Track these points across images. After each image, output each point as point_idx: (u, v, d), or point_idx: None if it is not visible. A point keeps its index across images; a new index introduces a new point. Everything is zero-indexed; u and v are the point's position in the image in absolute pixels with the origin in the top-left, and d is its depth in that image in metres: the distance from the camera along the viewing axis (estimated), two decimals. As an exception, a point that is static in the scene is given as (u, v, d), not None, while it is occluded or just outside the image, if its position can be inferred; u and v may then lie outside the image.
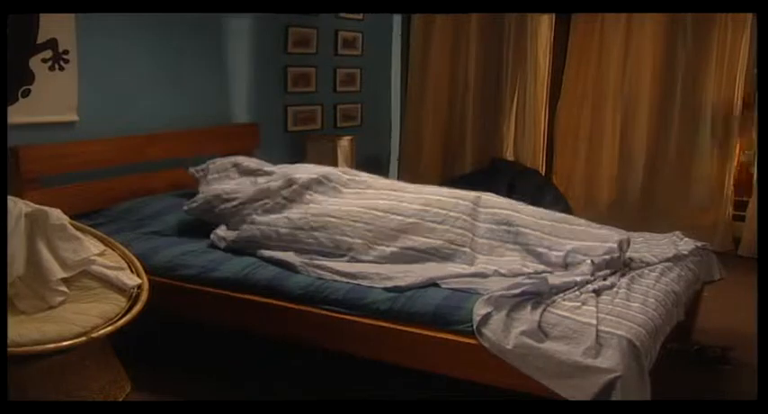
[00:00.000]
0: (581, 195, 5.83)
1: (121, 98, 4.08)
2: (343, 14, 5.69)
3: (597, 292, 2.68)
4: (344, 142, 5.34)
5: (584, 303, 2.57)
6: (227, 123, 4.86)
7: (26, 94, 3.52)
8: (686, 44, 5.33)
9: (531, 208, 3.37)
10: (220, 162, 3.93)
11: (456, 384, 2.72)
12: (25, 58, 3.50)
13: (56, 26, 3.59)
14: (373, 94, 6.25)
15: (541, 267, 3.02)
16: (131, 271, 3.00)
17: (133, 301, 2.85)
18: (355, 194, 3.55)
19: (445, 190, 3.54)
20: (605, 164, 5.77)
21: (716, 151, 5.43)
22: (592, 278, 2.81)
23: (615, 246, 2.98)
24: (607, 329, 2.40)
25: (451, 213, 3.28)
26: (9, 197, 2.90)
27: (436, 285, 2.82)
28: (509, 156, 6.09)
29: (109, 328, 2.65)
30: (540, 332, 2.47)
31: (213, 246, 3.39)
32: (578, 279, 2.77)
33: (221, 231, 3.45)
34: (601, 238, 3.10)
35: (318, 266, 3.05)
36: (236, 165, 3.89)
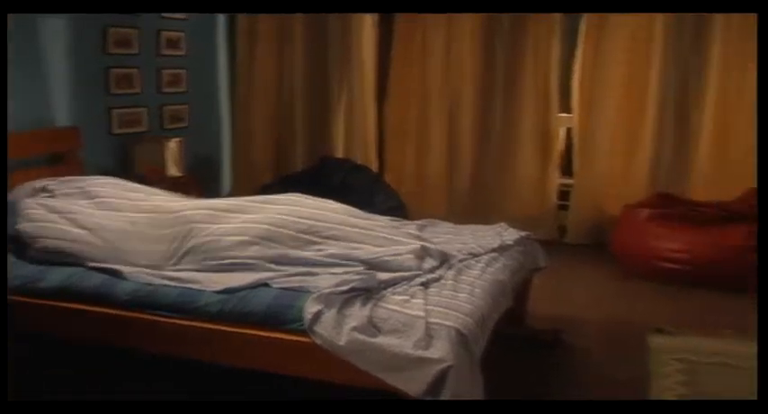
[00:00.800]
0: (413, 191, 5.97)
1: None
2: (165, 14, 5.53)
3: (425, 285, 2.76)
4: (172, 144, 5.22)
5: (412, 297, 2.64)
6: (49, 127, 4.64)
7: None
8: (503, 44, 5.58)
9: (338, 216, 3.33)
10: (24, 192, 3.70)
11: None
12: None
13: None
14: (201, 95, 6.14)
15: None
16: None
17: None
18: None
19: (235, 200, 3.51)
20: (434, 159, 5.95)
21: (537, 145, 5.73)
22: (419, 272, 2.89)
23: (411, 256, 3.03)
24: (436, 321, 2.48)
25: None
26: None
27: (267, 285, 2.81)
28: (340, 154, 6.14)
29: None
30: (372, 327, 2.52)
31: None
32: (406, 273, 2.85)
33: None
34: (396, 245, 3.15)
35: (146, 273, 2.97)
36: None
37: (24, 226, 3.30)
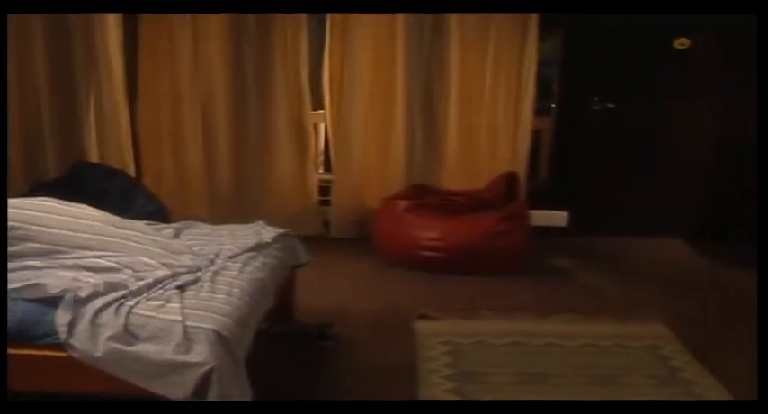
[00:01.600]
0: (174, 193, 5.77)
1: None
2: None
3: (181, 289, 2.68)
4: None
5: (168, 301, 2.55)
6: None
7: None
8: (252, 43, 5.53)
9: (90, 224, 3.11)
10: None
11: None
12: None
13: None
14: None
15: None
16: None
17: None
18: None
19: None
20: (191, 161, 5.79)
21: (294, 142, 5.74)
22: (171, 277, 2.79)
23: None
24: (194, 324, 2.41)
25: None
26: None
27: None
28: (95, 158, 5.76)
29: None
30: (129, 335, 2.40)
31: None
32: (159, 276, 2.74)
33: None
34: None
35: None
36: None
37: None
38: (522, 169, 5.65)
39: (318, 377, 3.35)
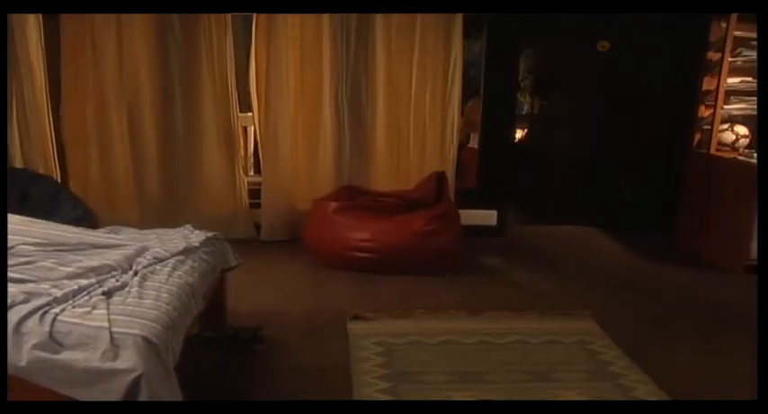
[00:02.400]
0: (101, 197, 5.66)
1: None
2: None
3: (108, 294, 2.62)
4: None
5: (94, 307, 2.49)
6: None
7: None
8: (177, 44, 5.45)
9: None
10: None
11: None
12: None
13: None
14: None
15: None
16: None
17: None
18: None
19: None
20: (119, 164, 5.68)
21: (222, 144, 5.66)
22: (96, 283, 2.73)
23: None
24: (121, 330, 2.36)
25: None
26: None
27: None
28: (19, 164, 5.57)
29: None
30: (54, 343, 2.34)
31: None
32: (84, 283, 2.68)
33: None
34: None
35: None
36: None
37: None
38: (450, 169, 5.70)
39: (251, 380, 3.31)
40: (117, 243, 3.22)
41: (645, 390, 3.24)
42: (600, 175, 6.34)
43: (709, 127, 5.48)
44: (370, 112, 5.61)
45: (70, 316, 2.42)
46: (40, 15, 5.39)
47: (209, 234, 3.56)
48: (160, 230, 3.60)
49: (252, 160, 6.26)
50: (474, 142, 6.48)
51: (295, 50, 5.50)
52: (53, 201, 4.96)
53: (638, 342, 3.78)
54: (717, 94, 5.35)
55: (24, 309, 2.42)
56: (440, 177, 5.42)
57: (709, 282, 4.97)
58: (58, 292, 2.56)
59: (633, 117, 6.16)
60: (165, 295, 2.67)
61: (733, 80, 5.34)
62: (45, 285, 2.66)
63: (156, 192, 5.73)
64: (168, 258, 3.07)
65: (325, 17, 5.40)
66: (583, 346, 3.75)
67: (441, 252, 5.02)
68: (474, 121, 6.33)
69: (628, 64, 6.04)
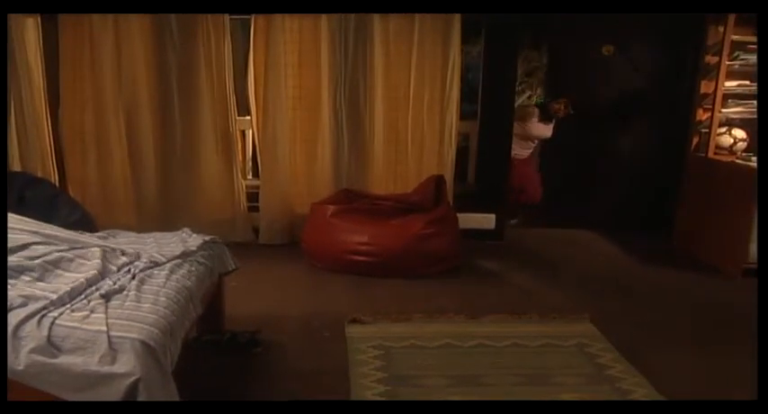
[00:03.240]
0: (99, 200, 5.66)
1: None
2: None
3: (107, 298, 2.62)
4: None
5: (93, 311, 2.49)
6: None
7: None
8: (175, 48, 5.46)
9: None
10: None
11: None
12: None
13: None
14: None
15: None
16: None
17: None
18: None
19: None
20: (117, 168, 5.68)
21: (220, 148, 5.65)
22: (87, 284, 2.73)
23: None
24: (119, 334, 2.36)
25: None
26: None
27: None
28: (17, 167, 5.57)
29: None
30: (52, 347, 2.34)
31: None
32: (76, 284, 2.68)
33: None
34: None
35: None
36: None
37: None
38: (448, 172, 5.70)
39: (249, 384, 3.30)
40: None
41: (643, 393, 3.24)
42: (599, 177, 6.34)
43: (707, 130, 5.49)
44: (369, 115, 5.61)
45: (68, 320, 2.42)
46: (39, 19, 5.40)
47: (207, 238, 3.56)
48: (158, 234, 3.60)
49: (250, 164, 6.25)
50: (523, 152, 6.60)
51: (293, 54, 5.51)
52: (51, 204, 4.94)
53: (636, 345, 3.77)
54: (714, 97, 5.35)
55: (22, 312, 2.41)
56: (438, 181, 5.42)
57: (708, 285, 4.97)
58: (53, 296, 2.56)
59: (632, 120, 6.17)
60: (162, 299, 2.67)
61: (730, 84, 5.35)
62: (42, 285, 2.67)
63: (154, 195, 5.73)
64: (165, 263, 3.07)
65: (324, 21, 5.41)
66: (581, 349, 3.75)
67: (439, 255, 5.02)
68: (535, 136, 6.50)
69: (627, 67, 6.05)
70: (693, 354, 3.75)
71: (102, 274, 2.84)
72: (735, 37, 5.22)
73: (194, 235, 3.57)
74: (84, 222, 4.75)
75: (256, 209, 5.80)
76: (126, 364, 2.28)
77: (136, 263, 3.02)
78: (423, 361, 3.57)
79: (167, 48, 5.44)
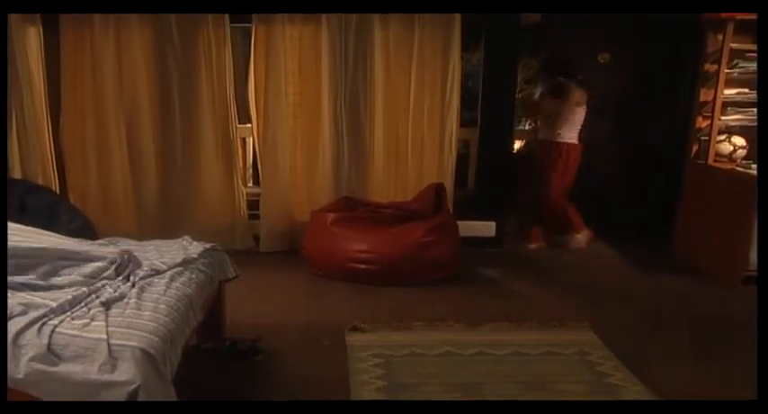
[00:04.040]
0: (100, 208, 5.67)
1: None
2: None
3: (107, 306, 2.62)
4: None
5: (93, 319, 2.49)
6: None
7: None
8: (176, 55, 5.47)
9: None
10: None
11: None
12: None
13: None
14: None
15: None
16: None
17: None
18: None
19: None
20: (118, 175, 5.69)
21: (221, 155, 5.67)
22: (89, 292, 2.73)
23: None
24: (119, 342, 2.37)
25: None
26: None
27: None
28: (17, 174, 5.58)
29: None
30: (52, 355, 2.35)
31: None
32: (78, 292, 2.69)
33: None
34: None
35: None
36: None
37: None
38: (449, 180, 5.71)
39: (249, 392, 3.31)
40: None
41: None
42: (598, 185, 6.33)
43: (706, 138, 5.49)
44: (369, 123, 5.62)
45: (69, 328, 2.43)
46: (41, 27, 5.42)
47: (208, 245, 3.56)
48: (158, 242, 3.60)
49: (250, 171, 6.27)
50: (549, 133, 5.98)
51: (293, 62, 5.52)
52: (51, 212, 4.95)
53: (636, 353, 3.77)
54: (714, 105, 5.36)
55: (22, 321, 2.42)
56: (438, 188, 5.42)
57: (708, 292, 4.97)
58: (53, 304, 2.56)
59: (631, 127, 6.18)
60: (163, 307, 2.67)
61: (730, 91, 5.35)
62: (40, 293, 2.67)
63: (154, 203, 5.74)
64: (166, 270, 3.07)
65: (324, 29, 5.42)
66: (581, 357, 3.74)
67: (439, 263, 5.02)
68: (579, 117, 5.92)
69: (626, 75, 6.06)
70: (693, 361, 3.75)
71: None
72: (734, 45, 5.23)
73: (195, 242, 3.57)
74: (85, 230, 4.75)
75: (257, 216, 5.80)
76: (126, 372, 2.28)
77: (136, 271, 3.02)
78: (423, 369, 3.57)
79: (168, 55, 5.46)
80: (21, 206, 4.89)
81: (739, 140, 5.44)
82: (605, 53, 5.99)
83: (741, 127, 5.46)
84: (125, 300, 2.69)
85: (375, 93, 5.56)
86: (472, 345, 3.85)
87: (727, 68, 5.28)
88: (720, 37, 5.28)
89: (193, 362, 2.69)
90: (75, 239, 3.40)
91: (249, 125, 5.71)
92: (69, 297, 2.63)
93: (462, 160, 5.99)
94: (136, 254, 3.26)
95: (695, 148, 5.65)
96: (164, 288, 2.86)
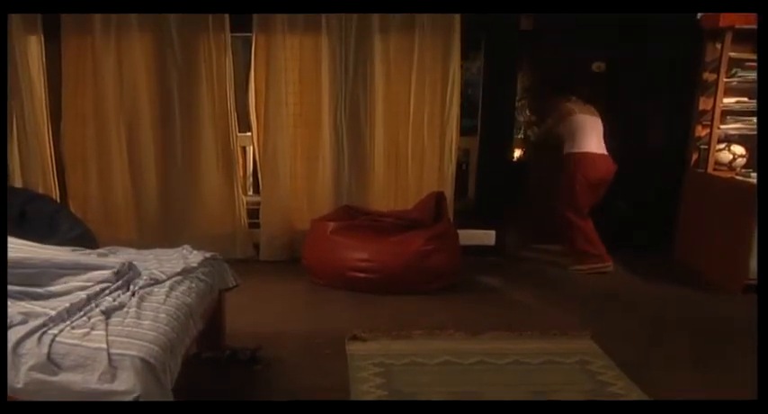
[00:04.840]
0: (100, 216, 5.67)
1: None
2: None
3: (107, 315, 2.62)
4: None
5: (93, 328, 2.49)
6: None
7: None
8: (177, 64, 5.48)
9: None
10: None
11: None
12: None
13: None
14: None
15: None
16: None
17: None
18: None
19: None
20: (118, 183, 5.69)
21: (221, 164, 5.68)
22: (87, 299, 2.73)
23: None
24: (119, 351, 2.36)
25: None
26: None
27: None
28: (18, 183, 5.58)
29: None
30: (52, 364, 2.35)
31: None
32: (75, 300, 2.69)
33: None
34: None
35: None
36: None
37: None
38: (449, 189, 5.71)
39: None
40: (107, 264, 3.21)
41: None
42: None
43: (706, 146, 5.50)
44: (369, 132, 5.62)
45: (69, 337, 2.42)
46: (42, 35, 5.43)
47: (208, 254, 3.56)
48: (158, 251, 3.60)
49: (251, 180, 6.27)
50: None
51: (294, 71, 5.53)
52: (51, 220, 4.94)
53: (637, 362, 3.76)
54: (713, 113, 5.37)
55: (22, 330, 2.42)
56: (438, 197, 5.42)
57: (708, 301, 4.97)
58: (53, 312, 2.56)
59: (631, 136, 6.18)
60: (163, 316, 2.67)
61: (729, 100, 5.37)
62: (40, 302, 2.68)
63: (154, 211, 5.74)
64: (165, 280, 3.07)
65: (324, 38, 5.43)
66: (582, 366, 3.74)
67: (439, 272, 5.02)
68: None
69: (624, 84, 6.07)
70: (694, 370, 3.74)
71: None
72: (732, 54, 5.25)
73: (195, 251, 3.57)
74: (85, 239, 4.75)
75: (257, 225, 5.80)
76: (126, 381, 2.28)
77: (136, 280, 3.02)
78: (423, 378, 3.56)
79: (169, 64, 5.47)
80: (21, 215, 4.89)
81: (739, 149, 5.45)
82: (599, 62, 5.99)
83: (740, 135, 5.47)
84: (125, 309, 2.69)
85: (375, 101, 5.57)
86: (473, 354, 3.85)
87: (727, 77, 5.30)
88: (719, 46, 5.30)
89: (193, 371, 2.69)
90: (75, 250, 3.41)
91: (249, 134, 5.72)
92: (67, 305, 2.63)
93: (462, 169, 5.99)
94: (136, 263, 3.26)
95: (695, 156, 5.67)
96: (164, 297, 2.86)
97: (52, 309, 2.59)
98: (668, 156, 6.02)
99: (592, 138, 5.56)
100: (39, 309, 2.59)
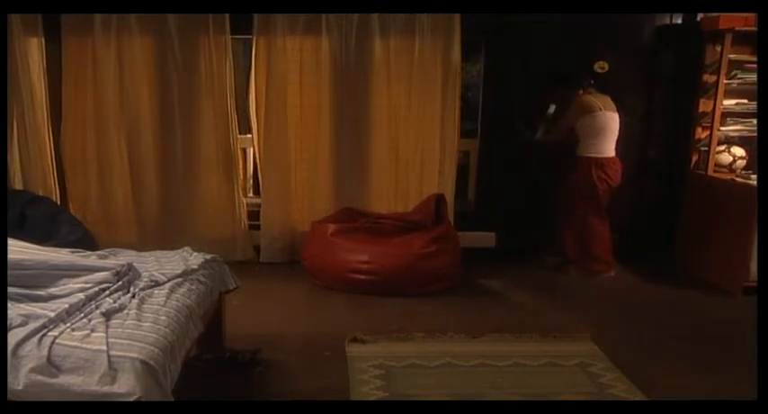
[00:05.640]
0: (101, 219, 5.68)
1: None
2: None
3: (107, 317, 2.62)
4: None
5: (93, 330, 2.49)
6: None
7: None
8: (177, 66, 5.48)
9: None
10: None
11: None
12: None
13: None
14: None
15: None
16: None
17: None
18: None
19: None
20: (118, 185, 5.69)
21: (222, 166, 5.68)
22: (86, 299, 2.73)
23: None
24: (119, 353, 2.36)
25: None
26: None
27: None
28: (18, 185, 5.59)
29: None
30: (52, 367, 2.35)
31: None
32: (74, 301, 2.69)
33: None
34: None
35: None
36: None
37: None
38: (449, 191, 5.71)
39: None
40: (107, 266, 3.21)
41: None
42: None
43: (706, 148, 5.50)
44: (369, 134, 5.62)
45: (69, 339, 2.42)
46: (43, 39, 5.44)
47: (208, 256, 3.56)
48: (159, 253, 3.61)
49: (251, 182, 6.27)
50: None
51: (294, 73, 5.53)
52: (52, 222, 4.96)
53: (638, 364, 3.76)
54: (713, 115, 5.37)
55: (22, 332, 2.42)
56: (438, 199, 5.42)
57: (709, 303, 4.96)
58: (52, 314, 2.56)
59: (631, 138, 6.17)
60: (163, 318, 2.66)
61: (729, 102, 5.37)
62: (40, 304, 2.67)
63: (155, 213, 5.74)
64: (165, 282, 3.07)
65: (324, 40, 5.44)
66: (583, 368, 3.73)
67: (439, 274, 5.02)
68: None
69: (624, 86, 6.06)
70: (695, 372, 3.74)
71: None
72: (732, 56, 5.25)
73: (195, 253, 3.57)
74: (85, 241, 4.76)
75: (257, 227, 5.80)
76: (126, 383, 2.28)
77: (136, 282, 3.02)
78: (423, 380, 3.56)
79: (169, 66, 5.47)
80: (21, 217, 4.90)
81: (739, 151, 5.45)
82: (602, 62, 5.95)
83: (740, 137, 5.47)
84: (125, 311, 2.69)
85: (375, 104, 5.57)
86: (473, 356, 3.84)
87: (726, 79, 5.29)
88: (719, 48, 5.30)
89: (193, 373, 2.68)
90: (75, 252, 3.41)
91: (250, 135, 5.72)
92: (66, 306, 2.63)
93: (462, 171, 5.99)
94: (136, 265, 3.26)
95: (695, 158, 5.66)
96: (164, 299, 2.86)
97: (52, 311, 2.59)
98: (668, 157, 6.02)
99: (612, 140, 5.38)
100: (39, 311, 2.59)
